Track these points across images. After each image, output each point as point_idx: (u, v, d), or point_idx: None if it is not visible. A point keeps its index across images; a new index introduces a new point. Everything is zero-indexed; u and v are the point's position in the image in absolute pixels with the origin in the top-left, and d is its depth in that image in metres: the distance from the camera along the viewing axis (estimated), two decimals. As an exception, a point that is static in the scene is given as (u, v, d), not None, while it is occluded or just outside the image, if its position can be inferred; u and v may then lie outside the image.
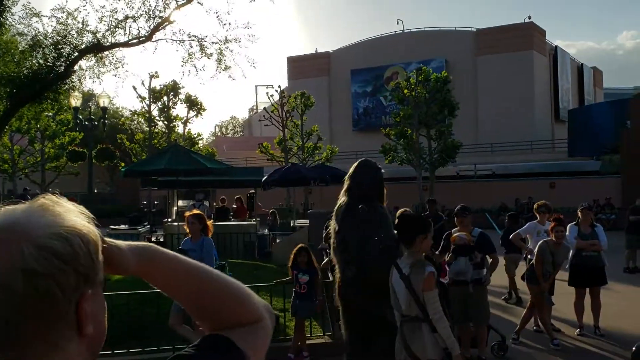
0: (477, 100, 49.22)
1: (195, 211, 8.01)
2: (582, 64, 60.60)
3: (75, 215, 0.94)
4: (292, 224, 18.96)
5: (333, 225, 5.00)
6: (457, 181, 36.67)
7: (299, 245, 8.00)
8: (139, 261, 1.03)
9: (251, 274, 11.21)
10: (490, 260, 7.52)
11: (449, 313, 7.34)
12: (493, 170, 38.29)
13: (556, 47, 54.48)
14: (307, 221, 17.90)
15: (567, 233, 8.83)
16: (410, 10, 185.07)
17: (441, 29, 54.05)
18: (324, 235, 8.36)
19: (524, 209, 25.17)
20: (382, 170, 5.35)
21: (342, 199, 4.99)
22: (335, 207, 5.04)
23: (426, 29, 54.87)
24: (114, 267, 1.00)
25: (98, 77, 12.86)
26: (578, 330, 8.74)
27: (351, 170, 5.04)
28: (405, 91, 32.27)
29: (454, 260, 7.28)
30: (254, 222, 19.64)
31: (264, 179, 18.74)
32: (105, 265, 0.98)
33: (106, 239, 1.00)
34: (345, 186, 5.00)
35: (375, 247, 4.71)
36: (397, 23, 76.47)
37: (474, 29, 52.15)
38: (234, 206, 23.92)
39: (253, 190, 22.77)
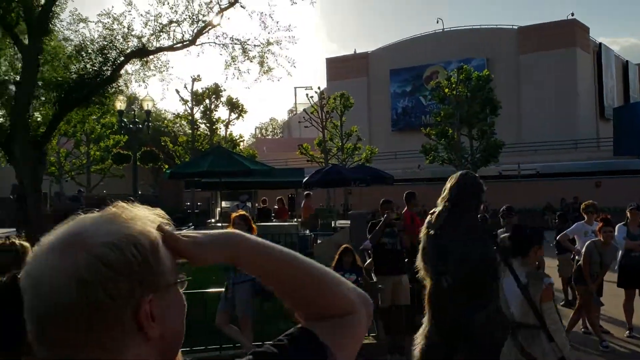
0: (520, 99, 48.46)
1: (241, 212, 8.08)
2: (627, 61, 59.11)
3: (138, 222, 0.97)
4: (332, 225, 19.01)
5: (425, 231, 4.83)
6: (500, 181, 36.11)
7: (344, 246, 8.02)
8: (222, 250, 1.05)
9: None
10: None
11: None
12: (537, 170, 37.65)
13: (600, 44, 53.29)
14: (348, 222, 17.93)
15: (616, 233, 8.66)
16: (450, 9, 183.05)
17: (482, 27, 53.40)
18: (369, 236, 8.34)
19: (569, 209, 24.66)
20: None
21: (440, 206, 4.80)
22: (434, 214, 4.80)
23: (466, 27, 54.34)
24: (192, 260, 1.03)
25: (143, 81, 13.17)
26: (627, 332, 8.56)
27: (454, 180, 4.80)
28: (446, 90, 32.01)
29: None
30: (295, 223, 19.76)
31: (305, 179, 18.85)
32: (187, 259, 1.02)
33: (185, 232, 1.04)
34: (445, 195, 4.75)
35: (477, 261, 4.62)
36: (437, 22, 75.95)
37: (516, 27, 51.40)
38: (276, 207, 24.11)
39: (309, 191, 22.89)
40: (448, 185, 4.77)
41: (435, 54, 51.79)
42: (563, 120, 46.04)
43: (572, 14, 50.14)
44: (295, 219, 21.68)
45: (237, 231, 1.09)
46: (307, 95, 35.42)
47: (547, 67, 47.25)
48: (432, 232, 4.70)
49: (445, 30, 54.79)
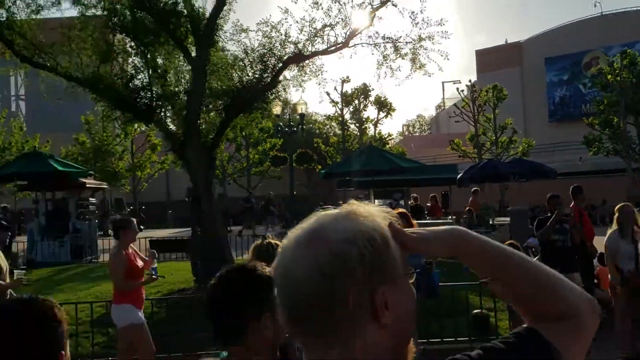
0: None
1: (401, 210, 8.15)
2: None
3: (371, 219, 1.07)
4: (491, 222, 18.48)
5: None
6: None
7: (509, 242, 7.82)
8: (445, 244, 1.10)
9: (459, 273, 11.13)
10: None
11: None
12: None
13: None
14: (507, 219, 17.36)
15: None
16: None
17: (646, 7, 49.11)
18: (537, 232, 8.06)
19: None
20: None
21: None
22: None
23: (628, 9, 50.21)
24: (423, 253, 1.11)
25: (300, 86, 13.63)
26: None
27: None
28: (609, 77, 29.87)
29: None
30: (450, 220, 19.50)
31: (459, 175, 18.52)
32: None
33: (415, 228, 1.13)
34: None
35: None
36: (595, 6, 70.89)
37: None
38: (428, 204, 23.90)
39: (476, 188, 22.52)
40: None
41: (595, 40, 48.41)
42: None
43: None
44: (450, 217, 21.39)
45: (458, 227, 1.14)
46: (457, 89, 34.78)
47: None
48: None
49: (604, 13, 51.08)
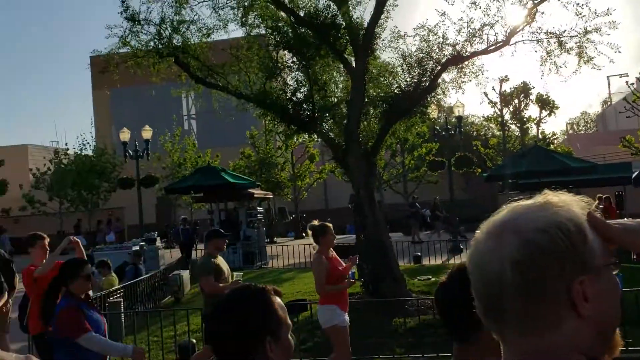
0: None
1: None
2: None
3: (567, 208, 1.05)
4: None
5: None
6: None
7: None
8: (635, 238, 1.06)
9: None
10: None
11: None
12: None
13: None
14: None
15: None
16: None
17: None
18: None
19: None
20: None
21: None
22: None
23: None
24: (623, 246, 1.06)
25: (460, 88, 13.37)
26: None
27: None
28: None
29: None
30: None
31: (635, 174, 17.14)
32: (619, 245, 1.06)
33: (617, 220, 1.09)
34: None
35: None
36: None
37: None
38: (601, 206, 22.32)
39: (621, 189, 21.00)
40: None
41: None
42: None
43: None
44: (626, 218, 19.81)
45: None
46: (626, 82, 32.09)
47: None
48: None
49: None
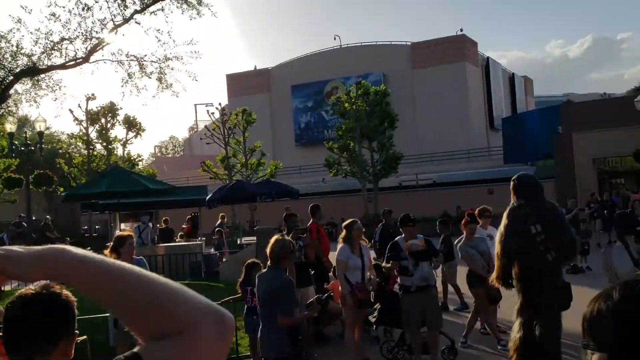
0: (416, 112, 50.26)
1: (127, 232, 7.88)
2: (513, 74, 62.76)
3: None
4: (238, 242, 18.86)
5: (515, 217, 5.69)
6: (400, 191, 37.27)
7: (250, 260, 8.02)
8: (40, 266, 0.99)
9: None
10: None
11: (402, 320, 7.53)
12: (434, 180, 39.10)
13: (488, 58, 56.28)
14: (254, 238, 17.85)
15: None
16: (347, 26, 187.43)
17: (377, 43, 55.04)
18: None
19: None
20: None
21: (513, 199, 5.82)
22: (516, 205, 5.74)
23: (363, 43, 55.82)
24: (8, 275, 0.99)
25: (35, 101, 12.56)
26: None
27: (516, 182, 5.86)
28: (346, 105, 32.75)
29: (416, 267, 7.41)
30: (200, 242, 19.44)
31: (208, 197, 18.59)
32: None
33: (7, 247, 1.01)
34: (518, 192, 5.81)
35: (568, 236, 5.74)
36: (335, 39, 77.44)
37: (409, 43, 53.36)
38: (184, 226, 23.60)
39: (197, 210, 22.59)
40: (515, 183, 5.86)
41: (335, 70, 52.84)
42: (456, 131, 48.15)
43: (461, 30, 52.68)
44: (199, 238, 21.36)
45: (62, 246, 1.02)
46: (207, 111, 35.10)
47: (440, 81, 49.35)
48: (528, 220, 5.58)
49: (342, 46, 56.04)
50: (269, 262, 5.45)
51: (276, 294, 5.27)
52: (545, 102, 65.38)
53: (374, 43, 55.14)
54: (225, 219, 21.68)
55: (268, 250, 5.50)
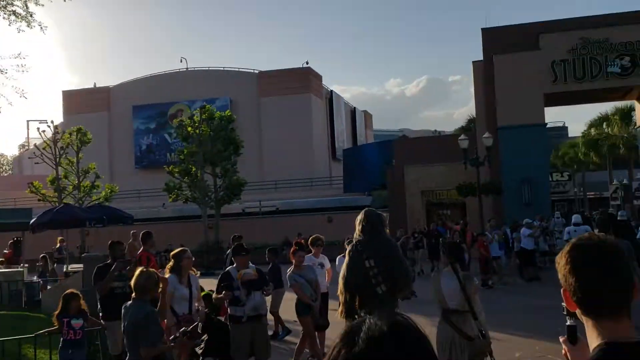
0: (262, 139, 50.69)
1: None
2: (354, 108, 65.66)
3: None
4: (65, 269, 17.63)
5: (355, 253, 6.06)
6: (242, 218, 37.18)
7: (69, 291, 7.60)
8: None
9: (15, 325, 10.23)
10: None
11: (229, 351, 7.40)
12: (277, 207, 39.52)
13: (331, 91, 58.47)
14: (82, 266, 16.80)
15: (337, 264, 9.50)
16: (194, 50, 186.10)
17: (225, 68, 55.00)
18: (96, 283, 7.95)
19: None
20: None
21: (359, 236, 6.17)
22: (356, 240, 6.16)
23: (210, 68, 55.43)
24: None
25: None
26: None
27: (362, 216, 6.22)
28: (190, 129, 32.19)
29: (248, 296, 7.34)
30: (21, 269, 17.96)
31: (32, 221, 17.28)
32: None
33: None
34: (360, 227, 6.17)
35: (401, 270, 6.13)
36: (181, 61, 76.33)
37: (257, 71, 53.93)
38: (5, 251, 21.66)
39: (20, 235, 20.86)
40: (361, 217, 6.22)
41: (180, 93, 51.89)
42: (300, 160, 49.23)
43: (307, 63, 54.24)
44: (21, 265, 19.72)
45: None
46: (38, 129, 32.78)
47: (286, 111, 50.30)
48: (364, 255, 5.96)
49: (189, 69, 55.29)
50: (133, 294, 5.47)
51: (140, 326, 5.26)
52: (384, 135, 69.32)
53: (222, 68, 55.02)
54: (65, 243, 20.19)
55: (133, 282, 5.50)
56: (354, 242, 6.19)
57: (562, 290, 1.82)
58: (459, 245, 6.99)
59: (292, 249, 9.18)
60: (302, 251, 9.11)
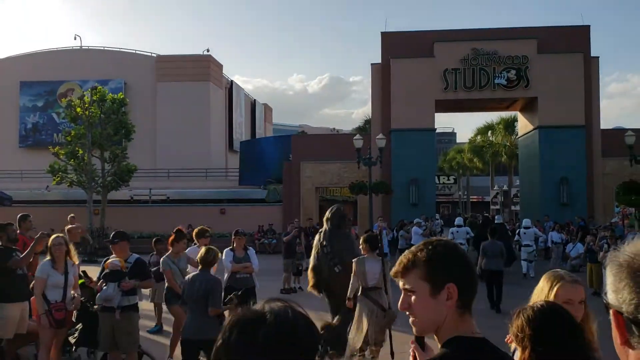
0: (157, 125, 49.33)
1: None
2: (255, 100, 65.38)
3: None
4: None
5: (319, 240, 8.60)
6: (131, 206, 36.09)
7: None
8: None
9: None
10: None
11: (99, 339, 7.23)
12: (168, 196, 38.68)
13: (232, 81, 57.86)
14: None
15: (224, 257, 9.48)
16: (88, 29, 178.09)
17: (122, 50, 52.95)
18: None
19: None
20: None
21: (325, 226, 8.67)
22: (321, 231, 8.74)
23: (106, 48, 53.23)
24: None
25: None
26: None
27: (328, 213, 8.77)
28: (79, 110, 30.78)
29: (104, 286, 7.18)
30: None
31: None
32: None
33: None
34: (326, 218, 8.74)
35: (350, 254, 8.35)
36: (75, 39, 72.84)
37: (155, 55, 52.38)
38: None
39: None
40: (328, 214, 8.74)
41: (72, 71, 49.45)
42: (196, 150, 48.36)
43: (208, 50, 53.28)
44: None
45: None
46: None
47: (183, 98, 49.18)
48: (324, 242, 8.50)
49: (83, 47, 52.81)
50: (200, 267, 6.87)
51: (211, 291, 6.66)
52: (283, 130, 69.55)
53: (117, 49, 52.93)
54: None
55: (199, 257, 6.90)
56: (320, 232, 8.73)
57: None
58: (376, 237, 8.30)
59: (170, 238, 9.00)
60: (180, 240, 8.95)
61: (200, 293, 6.59)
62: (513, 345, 2.42)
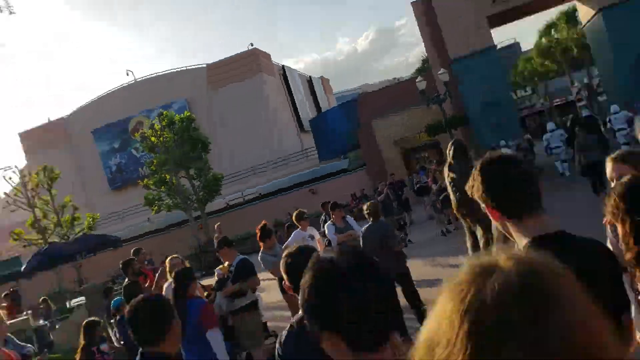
0: (226, 131, 50.38)
1: None
2: (310, 77, 65.41)
3: None
4: (68, 306, 17.68)
5: (448, 176, 8.02)
6: (229, 211, 37.25)
7: (90, 320, 7.62)
8: None
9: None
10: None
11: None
12: (260, 192, 39.57)
13: (283, 66, 58.11)
14: (83, 298, 16.90)
15: (327, 231, 9.69)
16: (136, 62, 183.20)
17: (173, 70, 54.29)
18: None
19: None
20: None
21: (449, 160, 8.02)
22: (446, 166, 8.11)
23: (158, 73, 54.70)
24: None
25: None
26: None
27: (450, 146, 8.06)
28: (153, 139, 31.98)
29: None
30: (26, 317, 17.97)
31: (23, 267, 17.26)
32: None
33: None
34: (448, 152, 8.06)
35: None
36: (127, 74, 75.37)
37: (205, 65, 53.35)
38: (4, 304, 21.61)
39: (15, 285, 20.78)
40: (450, 147, 8.00)
41: (135, 105, 51.28)
42: (269, 141, 49.12)
43: (252, 45, 53.72)
44: (25, 312, 19.70)
45: None
46: (4, 177, 32.36)
47: (240, 96, 49.96)
48: (454, 175, 7.82)
49: (137, 80, 54.56)
50: (371, 218, 8.05)
51: (389, 235, 8.05)
52: (345, 96, 69.16)
53: (169, 71, 54.34)
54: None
55: (368, 210, 8.16)
56: (449, 163, 8.17)
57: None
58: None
59: (258, 236, 8.55)
60: (269, 237, 8.59)
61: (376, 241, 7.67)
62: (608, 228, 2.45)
